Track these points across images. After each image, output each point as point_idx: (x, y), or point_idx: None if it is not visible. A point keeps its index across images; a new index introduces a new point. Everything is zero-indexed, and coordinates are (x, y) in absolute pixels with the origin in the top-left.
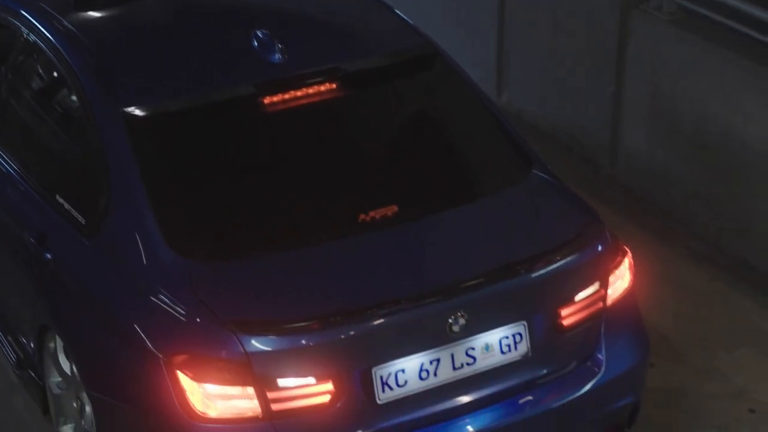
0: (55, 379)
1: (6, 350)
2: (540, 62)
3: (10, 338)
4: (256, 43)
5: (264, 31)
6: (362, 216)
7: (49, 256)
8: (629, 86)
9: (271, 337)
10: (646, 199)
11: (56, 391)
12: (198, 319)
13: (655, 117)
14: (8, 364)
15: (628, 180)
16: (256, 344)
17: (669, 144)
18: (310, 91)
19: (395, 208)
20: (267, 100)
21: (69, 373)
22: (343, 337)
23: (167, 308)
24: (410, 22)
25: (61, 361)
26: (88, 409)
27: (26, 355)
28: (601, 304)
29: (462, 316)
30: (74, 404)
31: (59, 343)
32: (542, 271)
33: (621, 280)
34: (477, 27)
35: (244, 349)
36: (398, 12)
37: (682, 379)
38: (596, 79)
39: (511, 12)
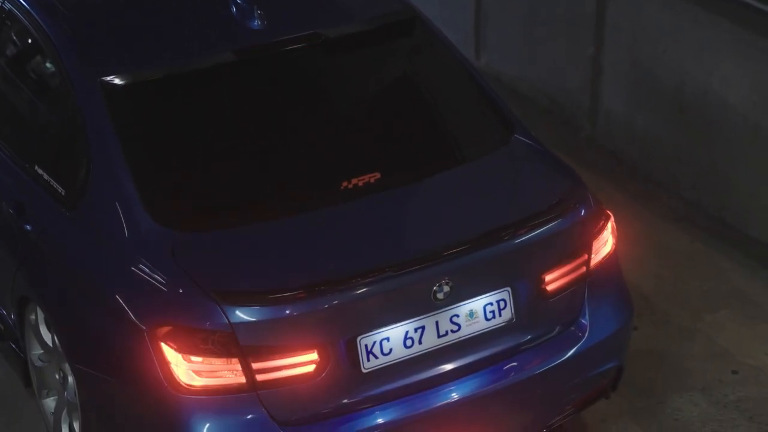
0: (37, 351)
1: None
2: (519, 24)
3: None
4: (235, 9)
5: None
6: (345, 183)
7: (28, 227)
8: (609, 49)
9: (255, 307)
10: (626, 161)
11: (38, 363)
12: (181, 290)
13: (635, 79)
14: None
15: (608, 142)
16: (240, 315)
17: (649, 106)
18: (291, 57)
19: (378, 175)
20: (247, 67)
21: (51, 345)
22: (327, 306)
23: (149, 279)
24: None
25: (42, 333)
26: (70, 380)
27: (7, 328)
28: (584, 269)
29: (446, 283)
30: (56, 376)
31: (40, 315)
32: (526, 237)
33: (604, 245)
34: None
35: (228, 320)
36: None
37: (664, 341)
38: (576, 41)
39: None
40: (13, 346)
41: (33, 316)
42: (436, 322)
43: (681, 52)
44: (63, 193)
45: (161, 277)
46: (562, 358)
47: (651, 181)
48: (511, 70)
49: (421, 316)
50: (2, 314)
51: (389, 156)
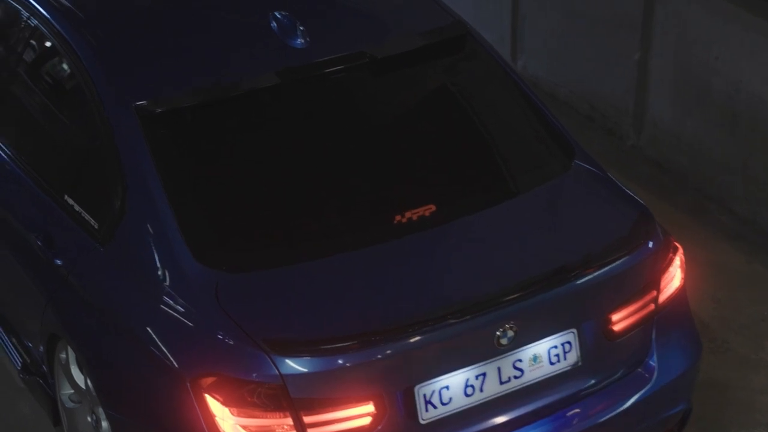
0: (67, 391)
1: (10, 354)
2: (558, 26)
3: (14, 340)
4: (275, 26)
5: (283, 12)
6: (398, 217)
7: (58, 261)
8: (656, 52)
9: (307, 357)
10: (673, 173)
11: (69, 404)
12: (227, 337)
13: (684, 85)
14: (13, 368)
15: (655, 152)
16: (292, 365)
17: (699, 114)
18: (336, 79)
19: (433, 207)
20: (290, 90)
21: (83, 387)
22: (384, 355)
23: (192, 324)
24: None
25: (73, 374)
26: (105, 425)
27: (33, 360)
28: (652, 307)
29: (511, 327)
30: (89, 419)
31: (71, 354)
32: (593, 276)
33: (673, 280)
34: None
35: (279, 371)
36: None
37: (726, 372)
38: (620, 44)
39: None
40: (40, 381)
41: (63, 355)
42: (498, 369)
43: (733, 56)
44: (95, 226)
45: (205, 322)
46: (629, 403)
47: (701, 194)
48: (549, 74)
49: (483, 363)
50: (27, 346)
51: (444, 186)
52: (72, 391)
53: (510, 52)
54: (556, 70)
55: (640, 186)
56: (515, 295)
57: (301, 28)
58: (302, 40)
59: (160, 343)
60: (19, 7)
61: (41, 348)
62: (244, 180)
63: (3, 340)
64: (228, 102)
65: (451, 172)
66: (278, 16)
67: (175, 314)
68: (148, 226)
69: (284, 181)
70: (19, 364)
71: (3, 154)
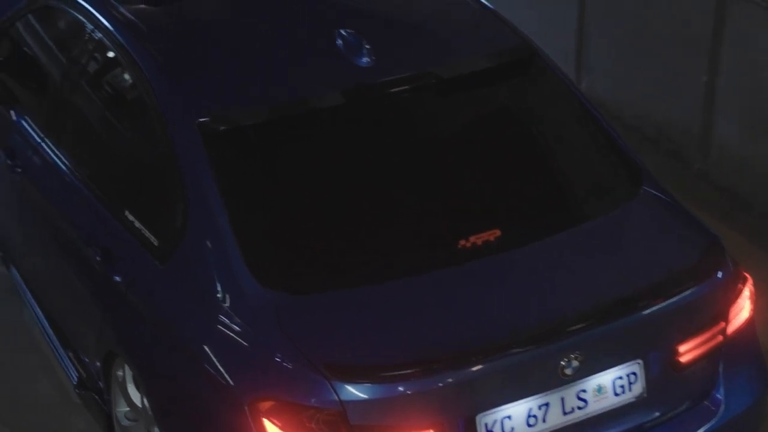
0: (123, 408)
1: (66, 368)
2: (624, 46)
3: (71, 354)
4: (341, 44)
5: (349, 30)
6: (462, 242)
7: (117, 278)
8: (723, 74)
9: (367, 384)
10: (741, 197)
11: (125, 422)
12: (286, 361)
13: (751, 108)
14: (69, 383)
15: (721, 177)
16: (352, 392)
17: (766, 137)
18: (401, 99)
19: (498, 232)
20: (355, 110)
21: (140, 406)
22: (446, 384)
23: (251, 346)
24: (505, 18)
25: (130, 392)
26: None
27: (89, 375)
28: (720, 338)
29: (576, 358)
30: None
31: (128, 372)
32: (661, 306)
33: (742, 311)
34: (556, 7)
35: (339, 397)
36: (491, 7)
37: None
38: (687, 66)
39: None
40: (96, 396)
41: (120, 373)
42: (562, 399)
43: None
44: (156, 244)
45: (264, 344)
46: None
47: None
48: (614, 95)
49: (546, 393)
50: (83, 360)
51: (509, 210)
52: (128, 408)
53: (574, 72)
54: (622, 90)
55: (705, 210)
56: (581, 325)
57: (367, 46)
58: (368, 59)
59: (218, 364)
60: (84, 20)
61: (98, 364)
62: (306, 200)
63: (59, 354)
64: (291, 121)
65: (517, 197)
66: (344, 33)
67: (235, 335)
68: (209, 245)
69: (347, 202)
70: (75, 379)
71: (63, 166)
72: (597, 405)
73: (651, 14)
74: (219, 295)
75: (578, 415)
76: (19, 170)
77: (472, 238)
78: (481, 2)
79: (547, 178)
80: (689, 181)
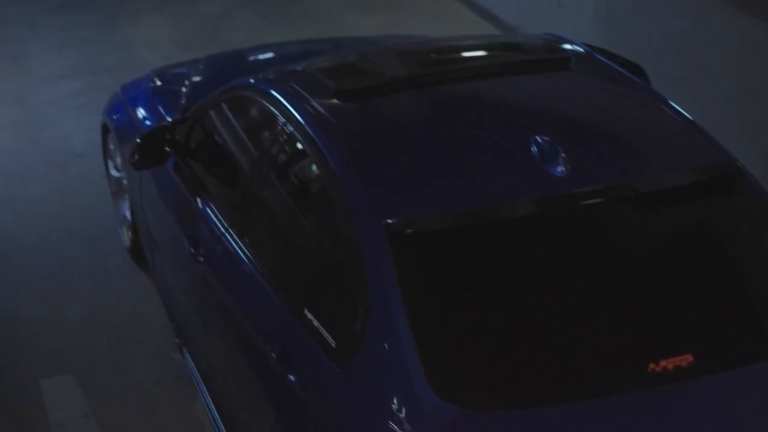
0: None
1: None
2: None
3: None
4: (535, 150)
5: (545, 137)
6: (652, 365)
7: (292, 378)
8: None
9: None
10: None
11: None
12: None
13: None
14: None
15: None
16: None
17: None
18: (596, 211)
19: (690, 358)
20: (548, 220)
21: None
22: None
23: None
24: (709, 133)
25: None
26: None
27: None
28: None
29: None
30: None
31: None
32: None
33: None
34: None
35: None
36: (694, 120)
37: None
38: None
39: None
40: None
41: None
42: None
43: None
44: (333, 345)
45: None
46: None
47: None
48: None
49: None
50: None
51: (702, 335)
52: None
53: None
54: None
55: None
56: None
57: (563, 155)
58: (563, 168)
59: None
60: (276, 112)
61: None
62: (489, 312)
63: None
64: (480, 228)
65: (711, 322)
66: (539, 140)
67: None
68: (388, 351)
69: (533, 316)
70: None
71: (245, 258)
72: None
73: None
74: (395, 405)
75: None
76: (201, 259)
77: (663, 363)
78: (685, 115)
79: (745, 303)
80: None
